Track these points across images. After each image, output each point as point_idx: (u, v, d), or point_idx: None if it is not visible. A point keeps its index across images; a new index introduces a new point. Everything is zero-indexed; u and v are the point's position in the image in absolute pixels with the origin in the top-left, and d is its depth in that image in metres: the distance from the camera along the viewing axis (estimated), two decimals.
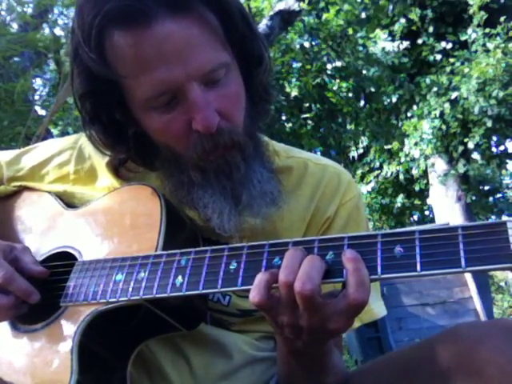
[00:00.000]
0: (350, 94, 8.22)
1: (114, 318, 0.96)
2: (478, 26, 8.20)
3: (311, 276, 0.75)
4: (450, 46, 8.55)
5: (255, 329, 1.16)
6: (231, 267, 0.84)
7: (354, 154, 10.54)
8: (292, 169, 1.16)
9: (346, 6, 8.22)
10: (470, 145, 8.26)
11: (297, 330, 0.81)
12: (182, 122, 0.95)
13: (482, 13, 8.07)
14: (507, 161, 9.84)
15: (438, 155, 8.68)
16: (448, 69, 8.29)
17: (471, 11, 8.25)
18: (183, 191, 1.02)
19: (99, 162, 1.18)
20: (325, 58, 7.86)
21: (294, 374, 1.00)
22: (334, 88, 8.04)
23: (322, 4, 8.06)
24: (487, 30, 8.09)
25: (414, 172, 9.18)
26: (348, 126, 8.87)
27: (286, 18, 6.22)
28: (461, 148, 8.51)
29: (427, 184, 9.44)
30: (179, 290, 0.87)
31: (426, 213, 12.39)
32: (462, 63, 8.12)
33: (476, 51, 8.13)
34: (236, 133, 0.97)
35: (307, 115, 8.18)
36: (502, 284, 11.58)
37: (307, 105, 8.17)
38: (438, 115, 8.21)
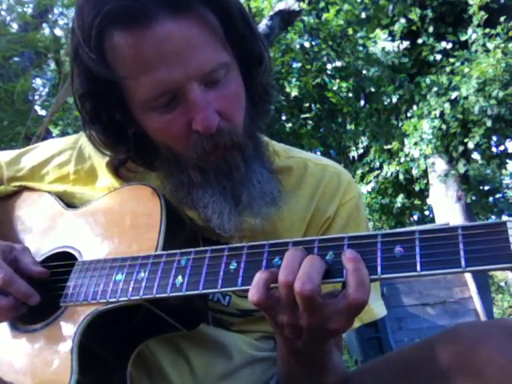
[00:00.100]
0: (350, 94, 8.21)
1: (113, 318, 0.96)
2: (478, 25, 8.20)
3: (311, 276, 0.75)
4: (450, 46, 8.55)
5: (255, 329, 1.16)
6: (231, 267, 0.84)
7: (354, 153, 10.55)
8: (292, 169, 1.16)
9: (346, 6, 8.22)
10: (470, 145, 8.26)
11: (297, 330, 0.81)
12: (181, 122, 0.95)
13: (482, 13, 8.07)
14: (507, 161, 9.85)
15: (438, 155, 8.69)
16: (448, 69, 8.29)
17: (471, 11, 8.25)
18: (183, 191, 1.02)
19: (99, 162, 1.18)
20: (325, 58, 7.85)
21: (294, 374, 1.00)
22: (334, 88, 8.03)
23: (322, 4, 8.06)
24: (487, 30, 8.09)
25: (414, 172, 9.18)
26: (348, 126, 8.86)
27: (286, 18, 6.22)
28: (461, 148, 8.51)
29: (427, 184, 9.44)
30: (179, 290, 0.87)
31: (426, 213, 12.40)
32: (462, 63, 8.12)
33: (476, 51, 8.14)
34: (236, 133, 0.97)
35: (307, 115, 8.18)
36: (502, 284, 11.58)
37: (307, 105, 8.17)
38: (437, 115, 8.21)
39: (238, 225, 1.00)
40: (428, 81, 8.34)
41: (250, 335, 1.15)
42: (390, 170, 9.77)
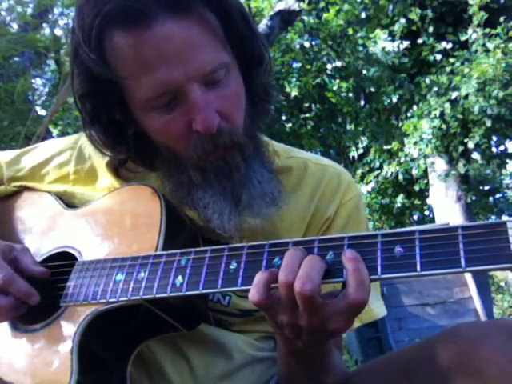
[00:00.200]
0: (350, 94, 8.21)
1: (114, 318, 0.96)
2: (478, 26, 8.19)
3: (311, 276, 0.75)
4: (450, 46, 8.55)
5: (255, 329, 1.16)
6: (231, 267, 0.84)
7: (354, 153, 10.55)
8: (292, 169, 1.16)
9: (346, 6, 8.22)
10: (470, 145, 8.26)
11: (297, 330, 0.81)
12: (182, 122, 0.95)
13: (482, 13, 8.07)
14: (507, 161, 9.85)
15: (438, 155, 8.69)
16: (448, 69, 8.29)
17: (471, 11, 8.24)
18: (183, 191, 1.02)
19: (99, 162, 1.18)
20: (325, 58, 7.85)
21: (294, 374, 1.00)
22: (334, 88, 8.03)
23: (322, 4, 8.05)
24: (487, 30, 8.09)
25: (414, 172, 9.18)
26: (348, 126, 8.86)
27: (286, 18, 6.21)
28: (461, 148, 8.51)
29: (427, 184, 9.44)
30: (179, 290, 0.87)
31: (426, 213, 12.40)
32: (462, 63, 8.12)
33: (476, 51, 8.13)
34: (236, 133, 0.97)
35: (307, 115, 8.18)
36: (502, 284, 11.58)
37: (307, 105, 8.17)
38: (437, 115, 8.21)
39: (238, 225, 1.00)
40: (428, 81, 8.34)
41: (250, 335, 1.15)
42: (389, 170, 9.77)
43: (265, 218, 1.02)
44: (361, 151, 10.57)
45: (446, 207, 8.88)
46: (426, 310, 5.72)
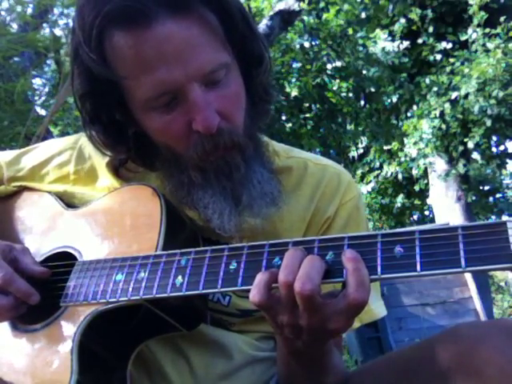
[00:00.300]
0: (350, 94, 8.21)
1: (114, 318, 0.96)
2: (478, 25, 8.19)
3: (311, 276, 0.75)
4: (450, 45, 8.55)
5: (255, 329, 1.16)
6: (231, 267, 0.84)
7: (353, 154, 10.55)
8: (292, 169, 1.16)
9: (346, 6, 8.21)
10: (470, 145, 8.26)
11: (297, 330, 0.81)
12: (182, 122, 0.95)
13: (482, 13, 8.07)
14: (507, 161, 9.85)
15: (438, 155, 8.69)
16: (448, 69, 8.28)
17: (471, 11, 8.24)
18: (183, 191, 1.02)
19: (99, 162, 1.18)
20: (325, 58, 7.85)
21: (294, 374, 1.00)
22: (334, 88, 8.03)
23: (322, 4, 8.05)
24: (487, 30, 8.08)
25: (414, 172, 9.18)
26: (348, 126, 8.86)
27: (286, 18, 6.21)
28: (461, 148, 8.51)
29: (427, 184, 9.44)
30: (179, 290, 0.87)
31: (426, 213, 12.40)
32: (462, 63, 8.12)
33: (476, 51, 8.13)
34: (236, 133, 0.97)
35: (307, 115, 8.17)
36: (502, 284, 11.58)
37: (307, 105, 8.17)
38: (437, 115, 8.21)
39: (238, 225, 1.00)
40: (428, 81, 8.34)
41: (249, 335, 1.15)
42: (389, 170, 9.77)
43: (265, 218, 1.02)
44: (361, 151, 10.57)
45: (445, 207, 8.88)
46: (426, 310, 5.72)
